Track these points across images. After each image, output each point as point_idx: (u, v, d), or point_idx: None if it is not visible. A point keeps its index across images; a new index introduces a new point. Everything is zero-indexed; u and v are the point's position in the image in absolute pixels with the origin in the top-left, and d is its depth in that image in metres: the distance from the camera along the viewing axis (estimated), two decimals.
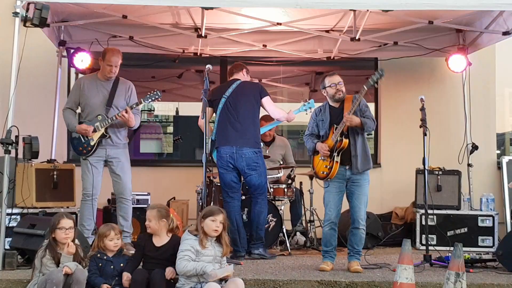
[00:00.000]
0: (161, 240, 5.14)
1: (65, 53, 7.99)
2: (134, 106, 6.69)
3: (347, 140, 5.95)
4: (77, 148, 6.79)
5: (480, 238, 7.65)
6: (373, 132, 8.57)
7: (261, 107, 6.78)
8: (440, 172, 7.89)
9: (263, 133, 7.59)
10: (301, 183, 7.94)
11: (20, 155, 6.05)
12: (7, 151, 5.84)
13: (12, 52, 5.87)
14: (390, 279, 5.21)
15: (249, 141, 6.59)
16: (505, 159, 8.30)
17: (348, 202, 6.08)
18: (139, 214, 7.30)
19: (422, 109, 6.36)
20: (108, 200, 7.83)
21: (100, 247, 5.13)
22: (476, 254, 6.40)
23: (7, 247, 5.93)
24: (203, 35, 7.74)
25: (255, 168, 6.59)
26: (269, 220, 7.13)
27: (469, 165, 8.20)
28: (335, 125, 5.98)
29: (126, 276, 4.98)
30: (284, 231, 7.21)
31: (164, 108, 10.77)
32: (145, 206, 7.39)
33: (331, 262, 6.02)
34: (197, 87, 9.41)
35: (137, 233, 7.19)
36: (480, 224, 7.68)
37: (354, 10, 7.02)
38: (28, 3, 5.82)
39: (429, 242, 6.48)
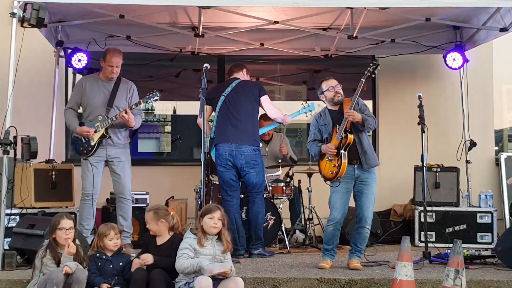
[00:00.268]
0: (162, 239, 5.17)
1: (62, 53, 7.98)
2: (133, 106, 6.69)
3: (352, 136, 5.87)
4: (77, 148, 6.80)
5: (479, 234, 7.66)
6: None
7: (260, 107, 6.78)
8: (439, 169, 7.90)
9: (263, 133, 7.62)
10: (299, 181, 7.94)
11: (19, 156, 6.03)
12: (6, 152, 5.84)
13: (9, 53, 5.87)
14: (390, 276, 5.21)
15: (248, 139, 6.59)
16: (503, 156, 8.32)
17: (356, 201, 6.00)
18: (138, 213, 7.29)
19: (420, 106, 6.36)
20: (107, 199, 7.82)
21: (99, 246, 5.12)
22: (475, 250, 6.39)
23: (6, 247, 5.93)
24: (200, 34, 7.75)
25: (253, 166, 6.58)
26: (268, 219, 7.12)
27: (467, 161, 8.19)
28: (337, 125, 5.92)
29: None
30: (283, 229, 7.21)
31: (162, 107, 10.73)
32: (144, 205, 7.41)
33: (330, 260, 5.99)
34: (195, 86, 9.34)
35: (136, 233, 7.21)
36: (479, 220, 7.69)
37: (351, 8, 7.01)
38: (25, 4, 5.80)
39: (428, 239, 6.49)
